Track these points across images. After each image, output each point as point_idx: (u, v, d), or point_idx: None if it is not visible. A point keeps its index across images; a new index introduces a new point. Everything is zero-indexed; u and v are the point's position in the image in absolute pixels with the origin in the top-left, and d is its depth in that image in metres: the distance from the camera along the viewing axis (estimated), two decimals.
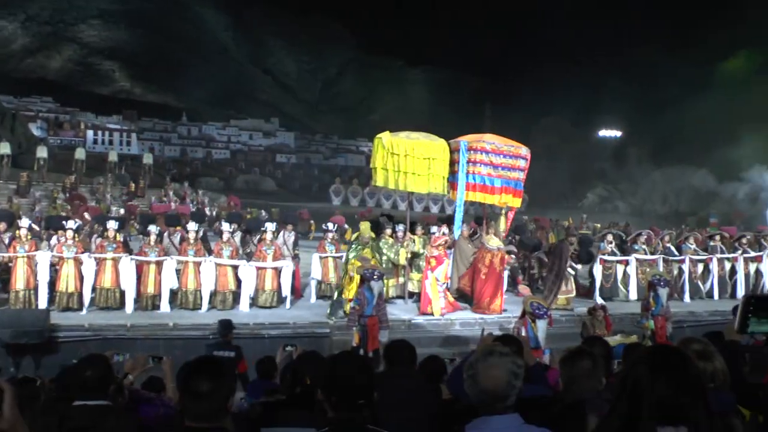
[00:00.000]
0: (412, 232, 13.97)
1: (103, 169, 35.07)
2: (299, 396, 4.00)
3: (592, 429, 2.77)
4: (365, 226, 13.59)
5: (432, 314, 12.60)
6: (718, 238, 16.55)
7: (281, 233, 15.03)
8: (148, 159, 38.05)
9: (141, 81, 73.51)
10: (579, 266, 14.55)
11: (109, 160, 36.35)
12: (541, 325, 8.93)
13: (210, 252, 13.49)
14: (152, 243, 13.11)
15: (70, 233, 12.55)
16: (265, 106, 73.55)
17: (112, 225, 13.30)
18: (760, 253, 16.22)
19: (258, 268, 13.24)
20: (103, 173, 33.96)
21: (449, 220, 14.30)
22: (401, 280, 14.29)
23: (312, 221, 26.09)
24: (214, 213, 27.86)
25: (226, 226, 14.01)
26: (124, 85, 74.20)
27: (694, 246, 16.04)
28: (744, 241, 16.51)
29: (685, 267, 15.56)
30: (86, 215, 14.59)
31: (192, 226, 13.80)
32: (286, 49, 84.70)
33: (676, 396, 2.10)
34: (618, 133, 54.54)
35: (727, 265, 16.09)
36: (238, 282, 13.17)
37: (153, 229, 13.54)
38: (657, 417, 2.08)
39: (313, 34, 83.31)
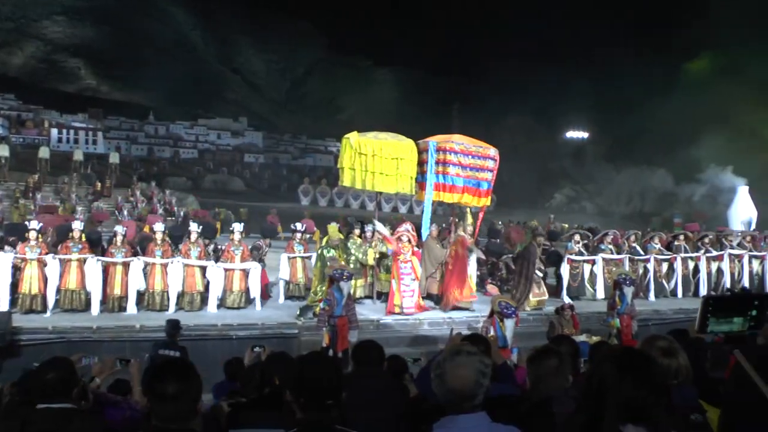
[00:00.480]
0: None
1: (68, 169, 34.49)
2: (267, 397, 3.98)
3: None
4: (333, 229, 13.59)
5: (400, 313, 12.63)
6: (682, 237, 16.83)
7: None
8: (114, 158, 37.49)
9: (107, 79, 72.38)
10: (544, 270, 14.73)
11: (74, 159, 35.77)
12: (509, 324, 9.00)
13: (177, 253, 13.35)
14: (119, 244, 12.94)
15: (33, 234, 12.32)
16: (233, 105, 72.95)
17: (77, 225, 13.10)
18: (722, 253, 16.54)
19: (226, 269, 13.16)
20: (68, 172, 33.40)
21: None
22: (369, 280, 14.32)
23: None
24: (182, 213, 27.59)
25: (194, 227, 13.88)
26: (89, 83, 73.02)
27: (658, 246, 16.29)
28: (706, 240, 16.83)
29: (650, 266, 15.82)
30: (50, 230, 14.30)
31: (159, 226, 13.67)
32: (254, 48, 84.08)
33: (640, 397, 2.14)
34: (584, 134, 55.17)
35: (691, 264, 16.39)
36: (206, 283, 13.08)
37: (119, 229, 13.37)
38: (621, 416, 2.11)
39: (282, 34, 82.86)
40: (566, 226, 24.29)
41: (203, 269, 13.08)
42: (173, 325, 8.79)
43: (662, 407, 2.15)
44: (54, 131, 50.94)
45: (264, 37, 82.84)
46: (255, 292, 13.24)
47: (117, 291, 12.52)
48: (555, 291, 15.22)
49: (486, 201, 14.23)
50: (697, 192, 29.02)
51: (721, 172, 26.70)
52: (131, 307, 12.43)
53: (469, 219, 13.87)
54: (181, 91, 66.25)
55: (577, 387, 3.76)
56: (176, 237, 14.39)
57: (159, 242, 13.10)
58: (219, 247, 14.79)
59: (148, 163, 50.04)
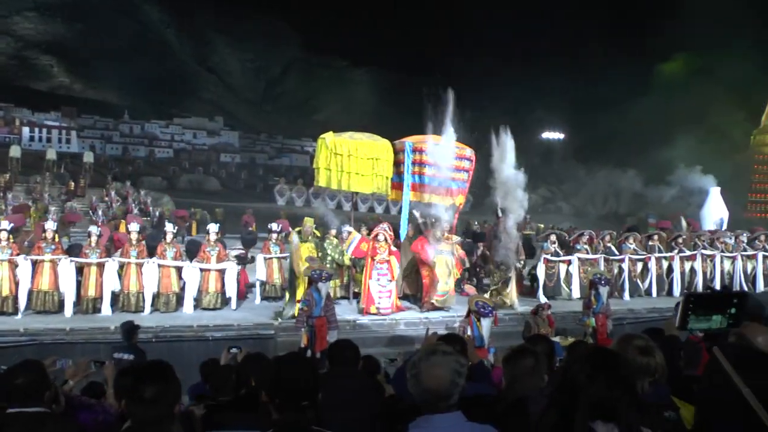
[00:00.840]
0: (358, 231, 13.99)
1: (40, 168, 34.10)
2: (243, 398, 3.96)
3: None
4: (309, 221, 13.56)
5: (375, 314, 12.64)
6: (656, 237, 17.01)
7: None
8: (88, 157, 37.21)
9: (81, 77, 71.55)
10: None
11: (46, 159, 35.39)
12: (486, 324, 9.01)
13: (153, 253, 13.23)
14: (93, 244, 12.80)
15: (4, 234, 12.14)
16: (209, 104, 72.52)
17: (50, 226, 12.93)
18: (695, 252, 16.74)
19: (202, 269, 13.08)
20: (40, 172, 33.01)
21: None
22: (346, 280, 14.32)
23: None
24: (157, 213, 27.39)
25: (170, 227, 13.77)
26: (62, 81, 72.14)
27: (633, 246, 16.45)
28: (680, 240, 17.02)
29: (625, 266, 15.97)
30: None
31: (134, 227, 13.55)
32: (230, 48, 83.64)
33: (613, 396, 2.15)
34: (560, 136, 55.57)
35: (665, 264, 16.58)
36: (182, 284, 12.99)
37: (93, 230, 13.23)
38: (592, 414, 2.13)
39: (258, 33, 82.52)
40: (542, 226, 24.43)
41: (179, 270, 12.99)
42: (128, 328, 8.52)
43: (633, 405, 2.17)
44: (26, 130, 50.31)
45: (240, 36, 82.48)
46: (231, 291, 13.18)
47: (92, 292, 12.40)
48: (531, 291, 15.34)
49: (460, 200, 14.28)
50: (669, 193, 29.35)
51: (693, 173, 27.02)
52: (106, 309, 12.30)
53: (445, 217, 13.89)
54: (157, 89, 65.77)
55: (551, 386, 3.79)
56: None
57: (134, 243, 12.99)
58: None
59: (122, 163, 49.61)
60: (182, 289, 12.99)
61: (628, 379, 2.24)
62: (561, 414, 2.21)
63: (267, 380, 3.52)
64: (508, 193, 13.32)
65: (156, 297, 12.75)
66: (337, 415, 3.68)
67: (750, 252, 17.47)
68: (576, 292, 15.20)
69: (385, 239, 12.89)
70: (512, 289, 13.94)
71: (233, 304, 13.17)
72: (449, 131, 13.49)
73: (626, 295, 15.71)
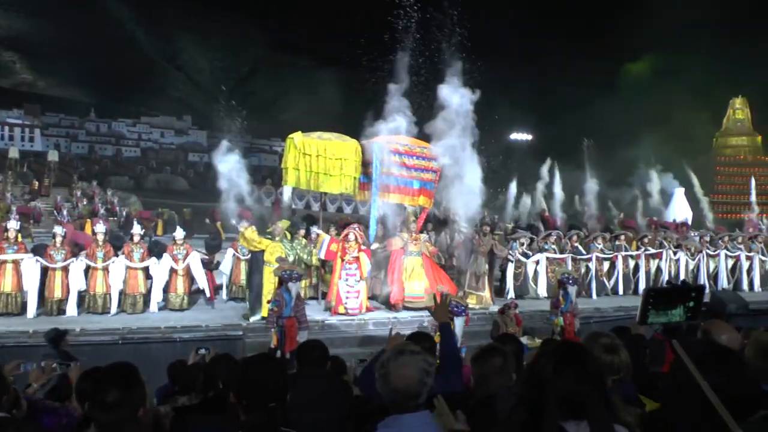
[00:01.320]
0: (326, 232, 13.97)
1: (2, 167, 33.47)
2: (211, 400, 3.93)
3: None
4: (284, 223, 13.49)
5: (344, 314, 12.63)
6: (623, 237, 17.23)
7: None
8: (53, 156, 36.60)
9: (45, 74, 70.32)
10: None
11: (9, 157, 34.75)
12: (459, 323, 9.03)
13: (119, 253, 13.06)
14: (58, 245, 12.59)
15: None
16: (177, 103, 71.68)
17: (12, 225, 12.70)
18: (660, 251, 17.00)
19: (172, 269, 13.02)
20: (2, 171, 32.40)
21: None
22: (314, 280, 14.29)
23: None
24: (124, 213, 27.03)
25: (137, 228, 13.57)
26: (25, 78, 70.88)
27: (600, 245, 16.65)
28: (646, 240, 17.27)
29: (592, 265, 16.15)
30: None
31: (100, 227, 13.36)
32: (199, 46, 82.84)
33: (582, 391, 2.15)
34: (528, 137, 55.93)
35: (631, 263, 16.81)
36: (149, 285, 12.86)
37: (58, 230, 13.02)
38: (562, 411, 2.12)
39: (226, 32, 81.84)
40: (510, 226, 24.57)
41: (146, 271, 12.85)
42: (53, 336, 8.28)
43: (602, 402, 2.18)
44: None
45: (208, 34, 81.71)
46: (202, 283, 13.12)
47: (57, 293, 12.21)
48: (499, 291, 15.43)
49: (430, 202, 14.31)
50: (634, 193, 29.66)
51: (658, 173, 27.40)
52: (71, 309, 12.14)
53: (411, 218, 13.92)
54: (124, 87, 64.94)
55: (519, 384, 3.82)
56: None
57: (101, 243, 12.81)
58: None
59: (88, 162, 48.86)
60: (149, 290, 12.88)
61: (596, 374, 2.24)
62: (530, 411, 2.21)
63: (235, 381, 3.49)
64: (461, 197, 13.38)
65: (123, 298, 12.61)
66: (306, 415, 3.66)
67: (712, 251, 17.86)
68: (543, 292, 15.34)
69: (355, 239, 12.87)
70: (487, 289, 14.03)
71: (207, 292, 13.16)
72: (402, 130, 13.58)
73: (593, 294, 15.89)
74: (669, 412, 2.16)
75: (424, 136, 13.99)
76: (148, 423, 3.45)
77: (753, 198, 30.40)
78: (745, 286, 17.76)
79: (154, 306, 12.73)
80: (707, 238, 18.38)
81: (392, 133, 13.67)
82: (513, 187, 27.44)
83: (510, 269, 15.40)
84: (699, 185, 28.99)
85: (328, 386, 4.46)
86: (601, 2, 63.56)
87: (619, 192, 26.06)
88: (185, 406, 4.20)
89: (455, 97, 13.08)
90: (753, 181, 34.06)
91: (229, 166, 12.09)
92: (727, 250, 18.00)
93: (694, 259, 17.44)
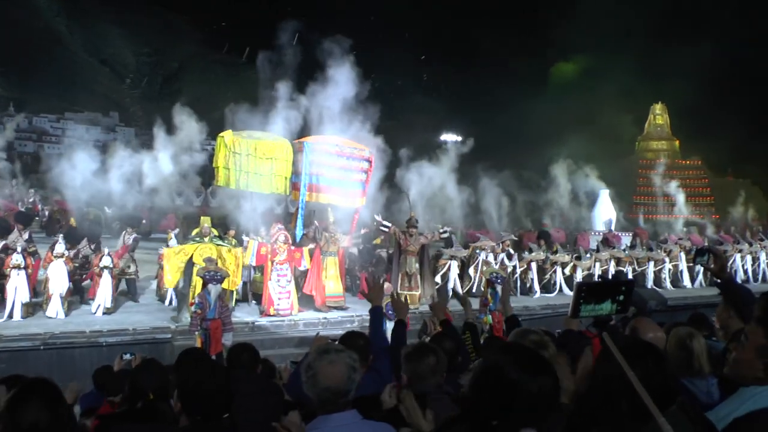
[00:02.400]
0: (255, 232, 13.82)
1: None
2: (141, 407, 3.81)
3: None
4: (206, 220, 13.26)
5: (275, 315, 12.52)
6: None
7: (122, 235, 14.32)
8: None
9: None
10: None
11: None
12: (390, 326, 9.05)
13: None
14: None
15: None
16: (102, 98, 69.62)
17: None
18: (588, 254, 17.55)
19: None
20: None
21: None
22: (244, 281, 14.12)
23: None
24: (47, 213, 26.06)
25: (60, 247, 12.50)
26: None
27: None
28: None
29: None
30: None
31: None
32: (124, 40, 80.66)
33: (550, 394, 2.12)
34: (459, 138, 56.51)
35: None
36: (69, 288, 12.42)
37: None
38: (527, 419, 2.06)
39: (154, 26, 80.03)
40: (440, 227, 24.80)
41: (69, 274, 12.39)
42: None
43: (555, 410, 2.17)
44: None
45: (135, 28, 79.64)
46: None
47: None
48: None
49: (360, 202, 14.32)
50: (562, 195, 30.29)
51: (584, 175, 28.08)
52: None
53: (331, 218, 13.87)
54: (46, 82, 62.59)
55: (450, 383, 3.85)
56: None
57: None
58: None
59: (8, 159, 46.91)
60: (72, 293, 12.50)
61: (555, 380, 2.19)
62: (477, 422, 2.13)
63: (163, 387, 3.40)
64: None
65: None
66: (239, 418, 3.60)
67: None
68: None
69: (285, 239, 12.78)
70: (421, 288, 14.15)
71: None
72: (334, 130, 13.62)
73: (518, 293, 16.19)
74: (593, 403, 2.18)
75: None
76: None
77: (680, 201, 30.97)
78: (668, 284, 18.34)
79: (51, 311, 12.08)
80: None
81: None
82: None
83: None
84: (623, 186, 29.89)
85: (259, 389, 4.39)
86: (533, 2, 64.51)
87: (555, 192, 26.55)
88: (110, 415, 4.06)
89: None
90: (673, 184, 35.28)
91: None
92: (650, 250, 18.67)
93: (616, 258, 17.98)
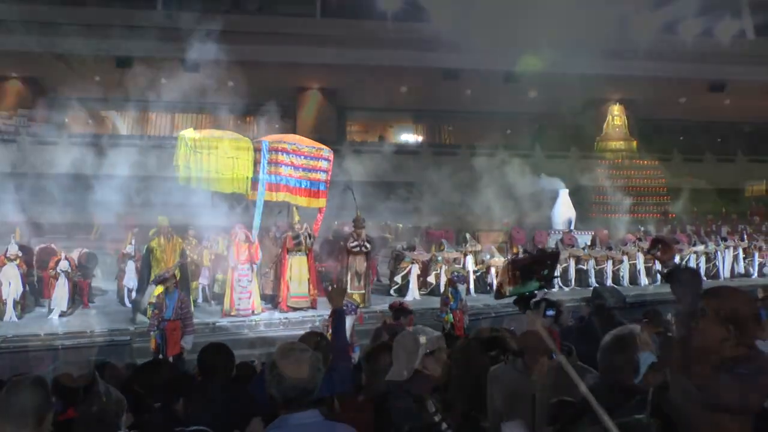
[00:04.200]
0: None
1: None
2: (95, 412, 3.72)
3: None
4: (164, 220, 13.08)
5: (236, 315, 12.41)
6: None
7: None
8: None
9: None
10: None
11: None
12: (349, 322, 9.04)
13: None
14: None
15: None
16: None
17: None
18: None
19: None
20: None
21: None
22: (205, 281, 13.99)
23: None
24: None
25: (14, 248, 12.40)
26: None
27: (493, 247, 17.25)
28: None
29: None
30: None
31: None
32: (79, 32, 79.02)
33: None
34: (419, 137, 56.66)
35: None
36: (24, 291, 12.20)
37: None
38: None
39: (108, 18, 78.67)
40: (401, 226, 24.89)
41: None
42: None
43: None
44: None
45: (89, 20, 78.03)
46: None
47: None
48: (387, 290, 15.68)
49: (321, 202, 14.26)
50: (522, 194, 30.57)
51: (543, 175, 28.30)
52: None
53: (296, 218, 13.81)
54: None
55: (415, 382, 3.83)
56: None
57: None
58: None
59: None
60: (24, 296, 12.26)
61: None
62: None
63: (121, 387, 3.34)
64: None
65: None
66: (205, 417, 3.58)
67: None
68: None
69: (246, 239, 12.69)
70: (368, 289, 14.16)
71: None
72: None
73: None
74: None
75: None
76: None
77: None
78: (626, 282, 18.54)
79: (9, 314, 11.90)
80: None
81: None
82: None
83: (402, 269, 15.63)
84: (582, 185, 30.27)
85: (230, 390, 4.29)
86: None
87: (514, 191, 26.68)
88: (67, 420, 3.94)
89: None
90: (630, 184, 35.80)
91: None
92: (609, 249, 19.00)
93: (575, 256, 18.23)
